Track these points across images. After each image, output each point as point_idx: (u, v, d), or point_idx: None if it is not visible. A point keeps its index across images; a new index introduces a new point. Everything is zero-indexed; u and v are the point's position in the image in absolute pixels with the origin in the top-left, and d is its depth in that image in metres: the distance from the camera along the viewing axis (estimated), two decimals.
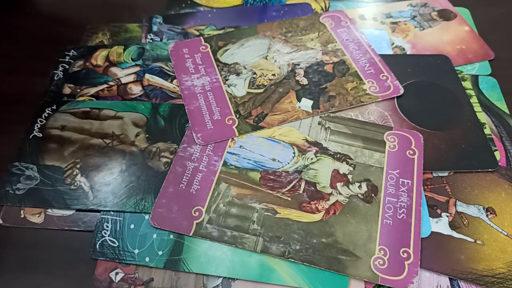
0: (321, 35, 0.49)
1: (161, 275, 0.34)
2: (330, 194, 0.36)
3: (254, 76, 0.45)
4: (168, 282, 0.33)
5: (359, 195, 0.36)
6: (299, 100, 0.43)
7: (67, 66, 0.48)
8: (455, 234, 0.35)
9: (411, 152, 0.39)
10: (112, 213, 0.36)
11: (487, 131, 0.41)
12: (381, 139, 0.40)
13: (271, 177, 0.38)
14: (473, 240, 0.34)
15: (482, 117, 0.42)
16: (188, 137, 0.40)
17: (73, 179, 0.38)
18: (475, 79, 0.45)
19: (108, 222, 0.36)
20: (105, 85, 0.46)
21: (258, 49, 0.48)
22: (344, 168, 0.38)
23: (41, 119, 0.43)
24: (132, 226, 0.36)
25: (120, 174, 0.38)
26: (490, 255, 0.33)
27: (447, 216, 0.36)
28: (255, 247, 0.34)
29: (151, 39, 0.51)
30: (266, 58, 0.47)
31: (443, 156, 0.39)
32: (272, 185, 0.37)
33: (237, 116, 0.41)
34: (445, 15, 0.52)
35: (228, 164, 0.38)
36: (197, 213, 0.35)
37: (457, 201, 0.37)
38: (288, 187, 0.37)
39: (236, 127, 0.41)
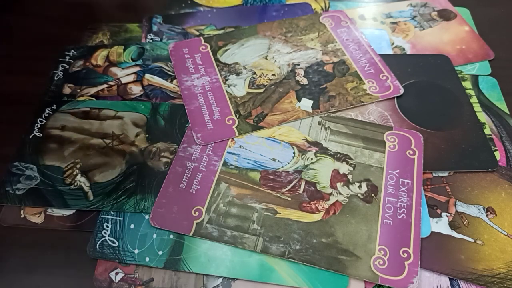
0: (321, 35, 0.49)
1: (161, 275, 0.34)
2: (330, 194, 0.36)
3: (254, 76, 0.45)
4: (168, 282, 0.33)
5: (359, 195, 0.36)
6: (299, 100, 0.43)
7: (67, 66, 0.48)
8: (455, 234, 0.35)
9: (411, 152, 0.39)
10: (112, 213, 0.36)
11: (487, 131, 0.41)
12: (381, 139, 0.40)
13: (271, 177, 0.38)
14: (473, 240, 0.34)
15: (482, 117, 0.42)
16: (188, 137, 0.40)
17: (73, 179, 0.38)
18: (475, 79, 0.45)
19: (108, 222, 0.36)
20: (105, 85, 0.46)
21: (258, 49, 0.48)
22: (344, 168, 0.38)
23: (41, 119, 0.43)
24: (132, 226, 0.36)
25: (120, 174, 0.38)
26: (490, 255, 0.33)
27: (447, 216, 0.36)
28: (255, 247, 0.34)
29: (151, 39, 0.51)
30: (266, 58, 0.47)
31: (443, 156, 0.39)
32: (272, 185, 0.37)
33: (237, 116, 0.41)
34: (445, 15, 0.52)
35: (228, 164, 0.38)
36: (197, 213, 0.35)
37: (457, 201, 0.37)
38: (288, 187, 0.37)
39: (236, 127, 0.41)
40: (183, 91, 0.44)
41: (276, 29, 0.50)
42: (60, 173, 0.39)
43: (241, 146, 0.40)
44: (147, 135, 0.41)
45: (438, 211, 0.36)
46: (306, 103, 0.42)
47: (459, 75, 0.45)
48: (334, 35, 0.49)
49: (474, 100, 0.43)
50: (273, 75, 0.45)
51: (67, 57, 0.49)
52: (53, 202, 0.37)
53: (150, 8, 0.55)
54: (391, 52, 0.48)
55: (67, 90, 0.46)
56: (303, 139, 0.40)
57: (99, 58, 0.48)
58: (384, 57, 0.46)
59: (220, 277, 0.33)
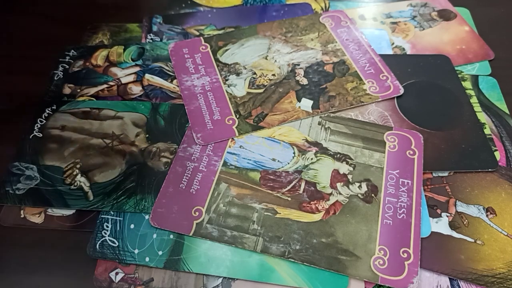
0: (321, 35, 0.49)
1: (161, 275, 0.34)
2: (330, 194, 0.36)
3: (254, 76, 0.45)
4: (168, 282, 0.33)
5: (359, 195, 0.36)
6: (299, 100, 0.43)
7: (67, 66, 0.48)
8: (455, 234, 0.35)
9: (411, 152, 0.39)
10: (112, 213, 0.36)
11: (487, 131, 0.41)
12: (381, 139, 0.40)
13: (271, 177, 0.38)
14: (473, 240, 0.34)
15: (482, 117, 0.42)
16: (188, 137, 0.40)
17: (73, 179, 0.38)
18: (475, 79, 0.46)
19: (108, 222, 0.36)
20: (105, 85, 0.46)
21: (258, 49, 0.48)
22: (344, 168, 0.38)
23: (41, 119, 0.43)
24: (132, 226, 0.36)
25: (120, 174, 0.38)
26: (490, 255, 0.33)
27: (447, 216, 0.36)
28: (255, 247, 0.34)
29: (151, 39, 0.51)
30: (266, 58, 0.47)
31: (443, 156, 0.39)
32: (272, 185, 0.37)
33: (237, 116, 0.41)
34: (445, 15, 0.52)
35: (228, 164, 0.38)
36: (197, 213, 0.35)
37: (457, 201, 0.37)
38: (288, 187, 0.37)
39: (236, 127, 0.41)
40: (183, 91, 0.44)
41: (276, 29, 0.50)
42: (60, 173, 0.39)
43: (241, 146, 0.40)
44: (147, 135, 0.41)
45: (438, 211, 0.36)
46: (306, 103, 0.42)
47: (459, 75, 0.45)
48: (334, 35, 0.49)
49: (474, 100, 0.43)
50: (273, 75, 0.45)
51: (67, 57, 0.49)
52: (53, 202, 0.37)
53: (150, 8, 0.55)
54: (391, 52, 0.48)
55: (67, 90, 0.46)
56: (303, 139, 0.40)
57: (99, 58, 0.48)
58: (384, 57, 0.46)
59: (220, 277, 0.33)
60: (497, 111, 0.43)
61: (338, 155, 0.39)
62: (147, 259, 0.34)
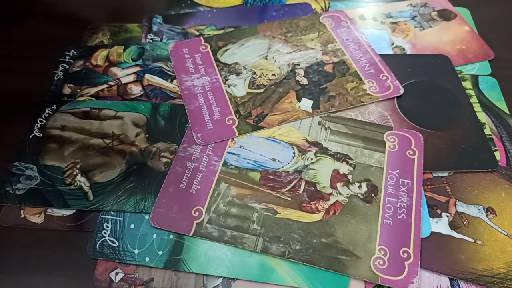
0: (321, 35, 0.49)
1: (161, 275, 0.34)
2: (330, 194, 0.36)
3: (254, 76, 0.45)
4: (168, 282, 0.33)
5: (359, 195, 0.36)
6: (299, 100, 0.43)
7: (67, 66, 0.48)
8: (455, 234, 0.35)
9: (411, 152, 0.39)
10: (112, 213, 0.36)
11: (487, 131, 0.41)
12: (381, 139, 0.40)
13: (271, 177, 0.38)
14: (473, 240, 0.34)
15: (482, 117, 0.42)
16: (188, 137, 0.40)
17: (73, 179, 0.38)
18: (475, 79, 0.45)
19: (108, 222, 0.36)
20: (105, 85, 0.46)
21: (258, 49, 0.48)
22: (344, 168, 0.38)
23: (41, 119, 0.43)
24: (132, 226, 0.36)
25: (120, 174, 0.38)
26: (490, 255, 0.33)
27: (447, 216, 0.36)
28: (255, 247, 0.34)
29: (151, 39, 0.51)
30: (266, 58, 0.47)
31: (443, 156, 0.39)
32: (272, 185, 0.37)
33: (237, 116, 0.41)
34: (445, 15, 0.52)
35: (228, 164, 0.38)
36: (197, 213, 0.35)
37: (457, 201, 0.37)
38: (288, 187, 0.37)
39: (236, 127, 0.41)
40: (183, 91, 0.44)
41: (276, 29, 0.50)
42: (60, 173, 0.39)
43: (241, 146, 0.40)
44: (147, 135, 0.41)
45: (438, 211, 0.36)
46: (306, 103, 0.42)
47: (459, 75, 0.45)
48: (334, 35, 0.49)
49: (474, 100, 0.43)
50: (273, 75, 0.45)
51: (67, 57, 0.49)
52: (53, 202, 0.37)
53: (150, 8, 0.55)
54: (391, 52, 0.48)
55: (67, 90, 0.46)
56: (303, 139, 0.40)
57: (99, 58, 0.48)
58: (384, 57, 0.46)
59: (220, 277, 0.33)
60: (497, 111, 0.43)
61: (338, 155, 0.39)
62: (147, 259, 0.34)
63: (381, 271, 0.32)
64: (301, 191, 0.37)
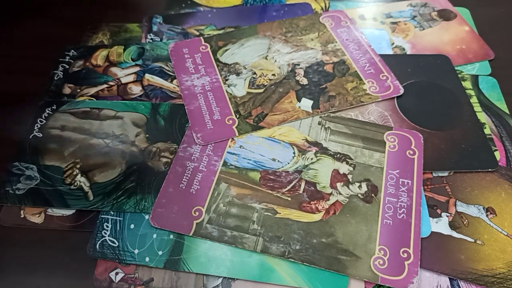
0: (321, 35, 0.49)
1: (161, 275, 0.34)
2: (330, 194, 0.36)
3: (254, 76, 0.45)
4: (168, 282, 0.33)
5: (359, 195, 0.36)
6: (299, 100, 0.43)
7: (67, 66, 0.48)
8: (455, 234, 0.35)
9: (411, 152, 0.39)
10: (112, 213, 0.36)
11: (487, 131, 0.41)
12: (381, 139, 0.40)
13: (271, 177, 0.38)
14: (473, 240, 0.34)
15: (482, 117, 0.42)
16: (188, 137, 0.40)
17: (73, 179, 0.38)
18: (475, 79, 0.45)
19: (108, 222, 0.36)
20: (105, 85, 0.46)
21: (258, 49, 0.48)
22: (344, 168, 0.38)
23: (41, 119, 0.43)
24: (132, 226, 0.36)
25: (120, 174, 0.38)
26: (490, 255, 0.33)
27: (447, 216, 0.36)
28: (255, 247, 0.34)
29: (151, 39, 0.51)
30: (266, 58, 0.47)
31: (443, 156, 0.39)
32: (272, 185, 0.37)
33: (237, 116, 0.41)
34: (445, 15, 0.52)
35: (228, 164, 0.38)
36: (197, 213, 0.35)
37: (457, 201, 0.37)
38: (288, 187, 0.37)
39: (236, 127, 0.41)
40: (183, 91, 0.44)
41: (276, 29, 0.50)
42: (60, 173, 0.39)
43: (241, 146, 0.40)
44: (147, 135, 0.41)
45: (438, 211, 0.36)
46: (306, 103, 0.42)
47: (459, 75, 0.45)
48: (334, 35, 0.49)
49: (474, 100, 0.43)
50: (273, 75, 0.45)
51: (67, 57, 0.49)
52: (53, 202, 0.37)
53: (150, 8, 0.55)
54: (391, 52, 0.48)
55: (67, 90, 0.46)
56: (303, 139, 0.40)
57: (99, 58, 0.48)
58: (384, 57, 0.46)
59: (220, 277, 0.33)
60: (497, 111, 0.43)
61: (338, 155, 0.39)
62: (147, 259, 0.34)
63: (381, 271, 0.32)
64: (301, 191, 0.37)
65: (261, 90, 0.44)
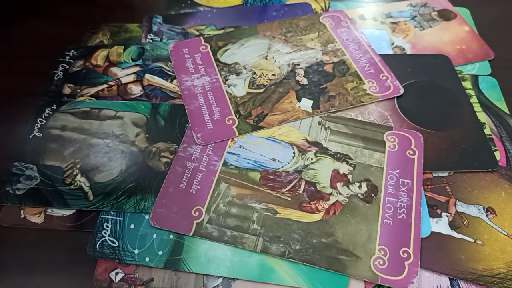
0: (321, 35, 0.49)
1: (161, 275, 0.34)
2: (330, 194, 0.36)
3: (254, 76, 0.45)
4: (168, 282, 0.33)
5: (359, 195, 0.36)
6: (299, 100, 0.43)
7: (67, 66, 0.48)
8: (455, 234, 0.35)
9: (411, 152, 0.39)
10: (112, 213, 0.36)
11: (487, 131, 0.41)
12: (381, 139, 0.40)
13: (271, 177, 0.38)
14: (473, 240, 0.34)
15: (482, 117, 0.42)
16: (188, 137, 0.40)
17: (73, 179, 0.38)
18: (475, 79, 0.46)
19: (108, 222, 0.36)
20: (105, 85, 0.46)
21: (258, 49, 0.48)
22: (344, 168, 0.38)
23: (41, 119, 0.43)
24: (132, 226, 0.36)
25: (120, 174, 0.38)
26: (490, 255, 0.33)
27: (447, 216, 0.36)
28: (255, 247, 0.34)
29: (151, 39, 0.51)
30: (266, 58, 0.47)
31: (443, 156, 0.39)
32: (272, 185, 0.37)
33: (237, 116, 0.41)
34: (445, 15, 0.52)
35: (228, 164, 0.38)
36: (197, 213, 0.35)
37: (457, 201, 0.37)
38: (288, 187, 0.37)
39: (236, 127, 0.41)
40: (183, 91, 0.44)
41: (276, 29, 0.50)
42: (60, 173, 0.39)
43: (241, 146, 0.40)
44: (147, 135, 0.41)
45: (438, 211, 0.36)
46: (306, 103, 0.42)
47: (459, 75, 0.45)
48: (334, 35, 0.49)
49: (474, 100, 0.43)
50: (273, 75, 0.45)
51: (67, 57, 0.49)
52: (53, 202, 0.37)
53: (150, 8, 0.55)
54: (391, 52, 0.48)
55: (67, 90, 0.46)
56: (303, 139, 0.40)
57: (99, 58, 0.48)
58: (384, 57, 0.46)
59: (220, 277, 0.33)
60: (497, 111, 0.43)
61: (338, 155, 0.39)
62: (147, 259, 0.34)
63: (381, 271, 0.32)
64: (301, 191, 0.37)
65: (261, 90, 0.44)
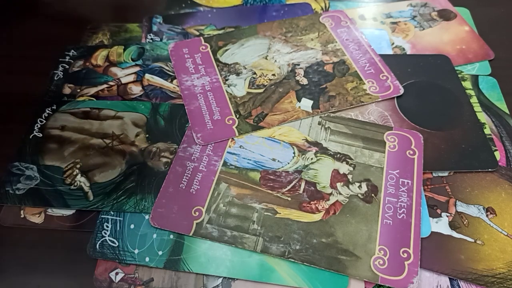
0: (321, 35, 0.49)
1: (161, 275, 0.34)
2: (330, 194, 0.36)
3: (254, 76, 0.45)
4: (168, 282, 0.33)
5: (359, 195, 0.36)
6: (299, 100, 0.43)
7: (67, 66, 0.48)
8: (455, 234, 0.35)
9: (411, 152, 0.39)
10: (112, 213, 0.36)
11: (487, 131, 0.41)
12: (381, 139, 0.40)
13: (271, 177, 0.38)
14: (473, 240, 0.34)
15: (482, 117, 0.42)
16: (188, 137, 0.40)
17: (73, 179, 0.38)
18: (475, 79, 0.46)
19: (108, 222, 0.36)
20: (105, 85, 0.46)
21: (258, 49, 0.48)
22: (344, 168, 0.38)
23: (41, 119, 0.43)
24: (132, 226, 0.36)
25: (120, 174, 0.38)
26: (490, 255, 0.33)
27: (447, 216, 0.36)
28: (255, 247, 0.34)
29: (151, 39, 0.51)
30: (266, 58, 0.47)
31: (443, 156, 0.39)
32: (272, 185, 0.37)
33: (237, 116, 0.41)
34: (445, 15, 0.52)
35: (228, 164, 0.38)
36: (197, 213, 0.35)
37: (457, 201, 0.37)
38: (288, 187, 0.37)
39: (236, 127, 0.41)
40: (183, 91, 0.44)
41: (276, 29, 0.50)
42: (60, 173, 0.39)
43: (241, 146, 0.40)
44: (147, 135, 0.41)
45: (438, 211, 0.36)
46: (306, 103, 0.42)
47: (459, 75, 0.45)
48: (334, 35, 0.49)
49: (474, 100, 0.43)
50: (273, 75, 0.45)
51: (67, 57, 0.49)
52: (53, 202, 0.37)
53: (150, 8, 0.55)
54: (391, 52, 0.48)
55: (67, 90, 0.46)
56: (303, 139, 0.40)
57: (99, 58, 0.48)
58: (384, 57, 0.46)
59: (220, 277, 0.33)
60: (497, 111, 0.43)
61: (338, 155, 0.39)
62: (147, 259, 0.34)
63: (381, 271, 0.32)
64: (301, 191, 0.37)
65: (261, 90, 0.44)
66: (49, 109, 0.44)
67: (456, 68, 0.46)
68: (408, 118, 0.42)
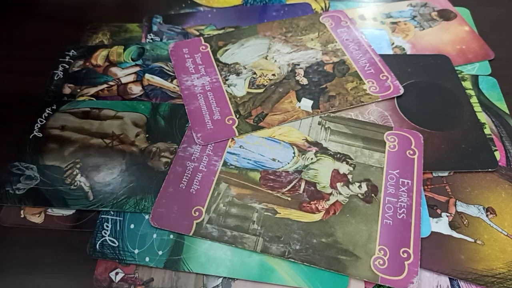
0: (321, 35, 0.49)
1: (161, 275, 0.34)
2: (330, 194, 0.36)
3: (254, 76, 0.45)
4: (168, 282, 0.33)
5: (359, 195, 0.36)
6: (299, 100, 0.43)
7: (67, 66, 0.48)
8: (455, 234, 0.35)
9: (411, 152, 0.39)
10: (112, 213, 0.36)
11: (487, 131, 0.41)
12: (381, 139, 0.40)
13: (271, 177, 0.38)
14: (473, 240, 0.34)
15: (482, 117, 0.42)
16: (188, 137, 0.40)
17: (73, 179, 0.38)
18: (475, 79, 0.46)
19: (108, 222, 0.36)
20: (105, 85, 0.46)
21: (258, 49, 0.48)
22: (344, 168, 0.38)
23: (41, 119, 0.43)
24: (132, 226, 0.36)
25: (120, 174, 0.38)
26: (490, 255, 0.33)
27: (447, 216, 0.36)
28: (255, 247, 0.34)
29: (151, 39, 0.51)
30: (266, 58, 0.47)
31: (443, 156, 0.39)
32: (272, 185, 0.37)
33: (237, 116, 0.41)
34: (445, 15, 0.52)
35: (228, 164, 0.38)
36: (197, 213, 0.35)
37: (457, 201, 0.37)
38: (288, 187, 0.37)
39: (236, 127, 0.41)
40: (183, 91, 0.44)
41: (276, 29, 0.50)
42: (60, 173, 0.39)
43: (241, 146, 0.40)
44: (147, 135, 0.41)
45: (438, 211, 0.36)
46: (306, 103, 0.42)
47: (459, 75, 0.45)
48: (334, 35, 0.49)
49: (474, 100, 0.43)
50: (273, 75, 0.45)
51: (67, 57, 0.49)
52: (53, 202, 0.37)
53: (150, 8, 0.55)
54: (391, 52, 0.48)
55: (67, 90, 0.46)
56: (303, 139, 0.40)
57: (99, 58, 0.48)
58: (384, 57, 0.46)
59: (220, 277, 0.33)
60: (497, 111, 0.43)
61: (338, 155, 0.39)
62: (147, 259, 0.34)
63: (381, 271, 0.32)
64: (301, 191, 0.37)
65: (261, 90, 0.44)
66: (49, 109, 0.44)
67: (456, 68, 0.46)
68: (408, 118, 0.42)
